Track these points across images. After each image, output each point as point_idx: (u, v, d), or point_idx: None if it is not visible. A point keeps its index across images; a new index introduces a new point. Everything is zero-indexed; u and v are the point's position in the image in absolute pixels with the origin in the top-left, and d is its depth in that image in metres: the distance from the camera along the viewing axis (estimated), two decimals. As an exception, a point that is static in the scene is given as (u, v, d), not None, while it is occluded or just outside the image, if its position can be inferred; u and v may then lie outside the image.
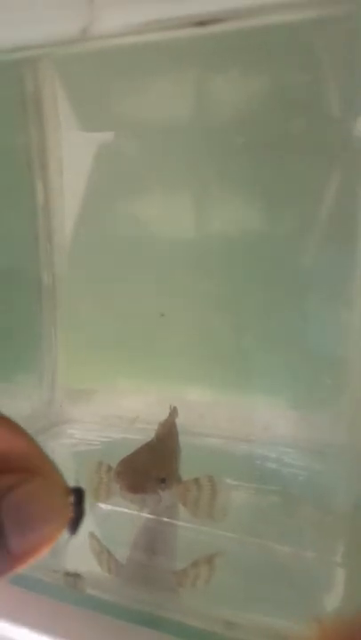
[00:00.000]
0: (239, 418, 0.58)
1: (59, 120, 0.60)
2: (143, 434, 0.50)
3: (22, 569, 0.21)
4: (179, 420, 0.52)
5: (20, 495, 0.20)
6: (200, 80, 0.54)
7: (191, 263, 0.60)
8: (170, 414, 0.52)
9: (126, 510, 0.46)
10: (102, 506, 0.46)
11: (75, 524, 0.22)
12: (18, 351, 0.66)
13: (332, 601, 0.41)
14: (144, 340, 0.63)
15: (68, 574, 0.42)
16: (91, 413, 0.66)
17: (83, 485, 0.23)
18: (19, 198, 0.65)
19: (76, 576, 0.42)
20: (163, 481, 0.42)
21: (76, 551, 0.45)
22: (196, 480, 0.44)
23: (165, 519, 0.46)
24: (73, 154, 0.62)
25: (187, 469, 0.46)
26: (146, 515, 0.46)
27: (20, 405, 0.62)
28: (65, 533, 0.22)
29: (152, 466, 0.43)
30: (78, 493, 0.23)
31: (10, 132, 0.61)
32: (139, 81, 0.56)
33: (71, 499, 0.22)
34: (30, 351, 0.67)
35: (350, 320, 0.52)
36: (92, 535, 0.46)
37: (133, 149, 0.60)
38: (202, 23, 0.42)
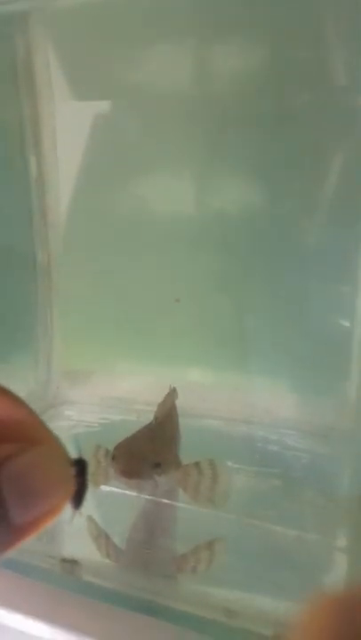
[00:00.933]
0: (240, 400, 0.57)
1: (52, 89, 0.58)
2: (143, 416, 0.49)
3: (25, 542, 0.20)
4: (179, 402, 0.51)
5: (20, 464, 0.20)
6: (200, 49, 0.52)
7: (192, 242, 0.58)
8: (168, 394, 0.51)
9: (125, 492, 0.46)
10: (101, 489, 0.45)
11: (78, 497, 0.22)
12: (13, 332, 0.65)
13: (334, 584, 0.41)
14: (143, 321, 0.62)
15: (64, 560, 0.42)
16: (88, 395, 0.65)
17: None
18: (10, 173, 0.62)
19: (72, 562, 0.41)
20: (158, 466, 0.41)
21: (72, 537, 0.45)
22: (197, 464, 0.43)
23: (165, 502, 0.46)
24: (67, 125, 0.59)
25: (187, 452, 0.46)
26: (145, 497, 0.45)
27: (16, 387, 0.61)
28: (68, 507, 0.21)
29: (148, 450, 0.42)
30: (81, 465, 0.22)
31: (0, 103, 0.59)
32: (136, 46, 0.53)
33: (73, 470, 0.21)
34: (25, 332, 0.66)
35: (354, 302, 0.51)
36: (89, 519, 0.45)
37: (131, 121, 0.58)
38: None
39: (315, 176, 0.51)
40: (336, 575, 0.42)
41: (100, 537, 0.45)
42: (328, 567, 0.42)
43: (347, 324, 0.51)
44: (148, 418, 0.48)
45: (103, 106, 0.57)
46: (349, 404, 0.52)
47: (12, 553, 0.44)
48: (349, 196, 0.50)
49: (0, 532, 0.19)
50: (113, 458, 0.42)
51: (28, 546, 0.45)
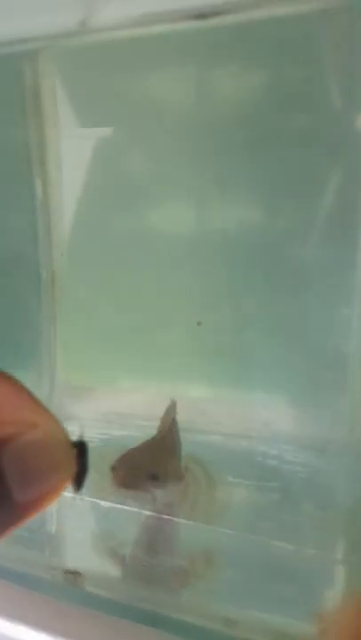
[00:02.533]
0: (240, 414, 0.58)
1: (58, 115, 0.60)
2: (143, 431, 0.50)
3: (28, 519, 0.20)
4: (179, 417, 0.52)
5: (22, 444, 0.20)
6: (200, 74, 0.54)
7: (191, 259, 0.60)
8: (168, 407, 0.52)
9: (127, 508, 0.46)
10: (103, 503, 0.46)
11: (79, 478, 0.22)
12: (16, 347, 0.66)
13: (333, 598, 0.41)
14: (144, 337, 0.63)
15: (67, 572, 0.42)
16: (90, 410, 0.66)
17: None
18: (17, 194, 0.65)
19: (75, 574, 0.42)
20: (155, 478, 0.42)
21: (75, 548, 0.45)
22: (195, 477, 0.44)
23: (165, 517, 0.46)
24: (72, 149, 0.62)
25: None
26: (145, 512, 0.46)
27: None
28: (70, 489, 0.22)
29: (146, 462, 0.43)
30: (81, 447, 0.23)
31: (8, 127, 0.62)
32: (138, 75, 0.56)
33: (74, 452, 0.22)
34: (29, 347, 0.67)
35: (351, 316, 0.52)
36: (95, 533, 0.46)
37: (133, 145, 0.60)
38: (202, 16, 0.42)
39: (312, 194, 0.53)
40: (335, 588, 0.43)
41: (108, 550, 0.46)
42: (327, 580, 0.43)
43: (343, 339, 0.53)
44: (148, 433, 0.49)
45: (106, 131, 0.60)
46: (345, 416, 0.53)
47: (14, 563, 0.45)
48: (346, 213, 0.52)
49: (3, 511, 0.20)
50: (111, 469, 0.42)
51: (30, 557, 0.46)
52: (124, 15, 0.42)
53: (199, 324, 0.58)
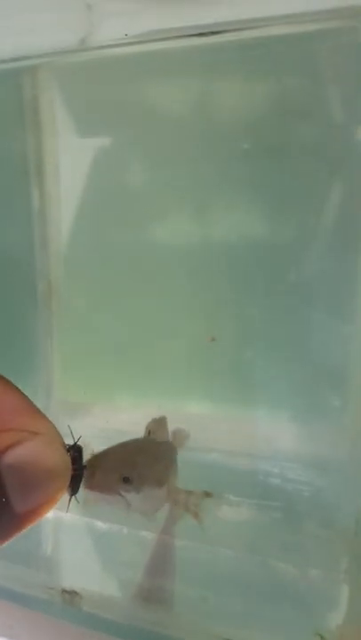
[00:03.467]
0: (241, 431, 0.58)
1: (56, 127, 0.61)
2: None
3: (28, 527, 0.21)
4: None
5: (21, 454, 0.20)
6: (200, 89, 0.55)
7: (192, 272, 0.60)
8: (160, 420, 0.50)
9: (125, 529, 0.47)
10: (101, 524, 0.47)
11: (76, 482, 0.23)
12: (12, 362, 0.66)
13: (336, 618, 0.42)
14: (143, 352, 0.63)
15: (65, 591, 0.43)
16: (87, 426, 0.66)
17: None
18: (14, 205, 0.65)
19: (72, 593, 0.42)
20: (127, 481, 0.38)
21: (72, 568, 0.46)
22: (188, 492, 0.43)
23: (164, 537, 0.46)
24: (70, 161, 0.62)
25: (187, 484, 0.47)
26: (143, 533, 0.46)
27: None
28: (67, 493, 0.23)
29: (119, 464, 0.39)
30: (76, 451, 0.23)
31: (7, 139, 0.62)
32: (137, 90, 0.57)
33: (70, 458, 0.23)
34: (25, 362, 0.68)
35: (353, 333, 0.52)
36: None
37: (131, 157, 0.61)
38: (201, 34, 0.43)
39: (314, 207, 0.53)
40: (338, 607, 0.43)
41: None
42: (330, 599, 0.43)
43: (345, 356, 0.53)
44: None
45: (104, 142, 0.60)
46: (347, 434, 0.53)
47: (12, 584, 0.45)
48: (348, 226, 0.53)
49: (3, 522, 0.20)
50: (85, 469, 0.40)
51: (29, 578, 0.46)
52: (123, 33, 0.44)
53: (213, 339, 0.59)
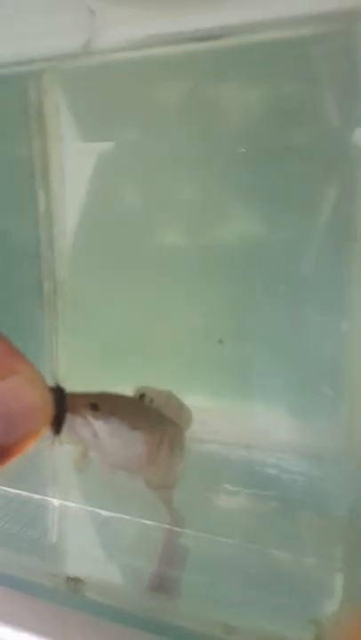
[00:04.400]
0: (239, 424, 0.60)
1: (60, 131, 0.63)
2: None
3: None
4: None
5: (2, 388, 0.22)
6: (199, 93, 0.57)
7: (192, 271, 0.62)
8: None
9: (127, 517, 0.49)
10: (102, 512, 0.48)
11: (58, 422, 0.24)
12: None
13: (332, 606, 0.43)
14: (146, 348, 0.65)
15: (69, 579, 0.44)
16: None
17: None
18: (21, 207, 0.68)
19: (76, 580, 0.44)
20: (95, 408, 0.38)
21: (76, 555, 0.48)
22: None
23: (166, 526, 0.48)
24: (74, 164, 0.65)
25: (186, 475, 0.48)
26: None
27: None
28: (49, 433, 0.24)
29: (94, 394, 0.39)
30: (59, 393, 0.25)
31: (12, 143, 0.65)
32: (139, 92, 0.59)
33: (52, 397, 0.24)
34: (30, 359, 0.70)
35: (349, 327, 0.54)
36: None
37: (134, 159, 0.63)
38: (201, 39, 0.45)
39: (310, 208, 0.55)
40: (334, 596, 0.44)
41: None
42: (326, 588, 0.44)
43: (340, 350, 0.55)
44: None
45: (108, 146, 0.63)
46: (343, 426, 0.55)
47: (15, 571, 0.47)
48: (344, 227, 0.54)
49: None
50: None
51: (32, 565, 0.48)
52: (126, 38, 0.46)
53: (221, 341, 0.60)
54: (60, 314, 0.69)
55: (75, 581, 0.44)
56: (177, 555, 0.48)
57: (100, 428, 0.39)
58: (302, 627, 0.40)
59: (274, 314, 0.59)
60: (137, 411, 0.45)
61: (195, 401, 0.62)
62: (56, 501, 0.53)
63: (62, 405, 0.25)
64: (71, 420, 0.36)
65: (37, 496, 0.53)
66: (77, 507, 0.51)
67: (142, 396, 0.46)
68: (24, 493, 0.54)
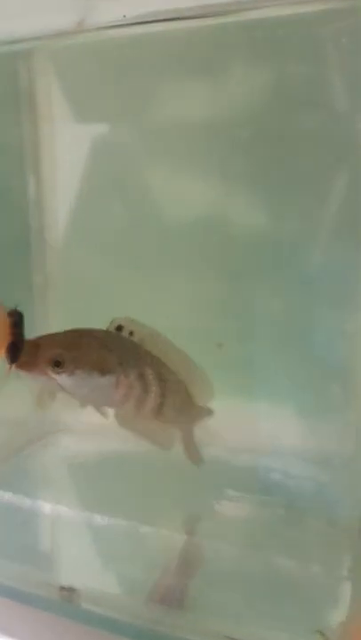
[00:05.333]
0: (244, 427, 0.59)
1: (52, 112, 0.62)
2: (143, 445, 0.51)
3: None
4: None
5: None
6: (200, 73, 0.56)
7: (192, 265, 0.61)
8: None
9: (124, 523, 0.48)
10: (99, 518, 0.48)
11: (14, 349, 0.23)
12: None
13: (338, 615, 0.43)
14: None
15: (63, 588, 0.44)
16: (87, 423, 0.67)
17: None
18: (10, 193, 0.66)
19: (71, 590, 0.43)
20: (57, 364, 0.37)
21: (71, 565, 0.47)
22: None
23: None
24: (67, 147, 0.63)
25: (189, 479, 0.48)
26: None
27: (12, 413, 0.64)
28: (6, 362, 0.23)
29: (55, 344, 0.38)
30: (17, 316, 0.24)
31: (1, 125, 0.63)
32: (136, 73, 0.58)
33: (9, 321, 0.23)
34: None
35: (358, 327, 0.53)
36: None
37: (130, 143, 0.62)
38: (200, 16, 0.44)
39: (317, 196, 0.54)
40: (340, 604, 0.44)
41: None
42: (332, 596, 0.44)
43: (349, 351, 0.54)
44: (149, 447, 0.50)
45: (102, 128, 0.61)
46: (351, 429, 0.54)
47: (10, 581, 0.46)
48: (350, 220, 0.54)
49: None
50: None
51: (26, 574, 0.48)
52: (122, 14, 0.44)
53: (220, 345, 0.59)
54: (52, 309, 0.68)
55: (69, 591, 0.44)
56: (187, 564, 0.48)
57: (64, 381, 0.38)
58: (308, 637, 0.39)
59: (281, 312, 0.58)
60: (108, 351, 0.43)
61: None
62: (48, 506, 0.52)
63: (20, 330, 0.24)
64: (31, 376, 0.36)
65: (29, 500, 0.53)
66: (72, 513, 0.50)
67: (119, 328, 0.46)
68: (14, 497, 0.53)
